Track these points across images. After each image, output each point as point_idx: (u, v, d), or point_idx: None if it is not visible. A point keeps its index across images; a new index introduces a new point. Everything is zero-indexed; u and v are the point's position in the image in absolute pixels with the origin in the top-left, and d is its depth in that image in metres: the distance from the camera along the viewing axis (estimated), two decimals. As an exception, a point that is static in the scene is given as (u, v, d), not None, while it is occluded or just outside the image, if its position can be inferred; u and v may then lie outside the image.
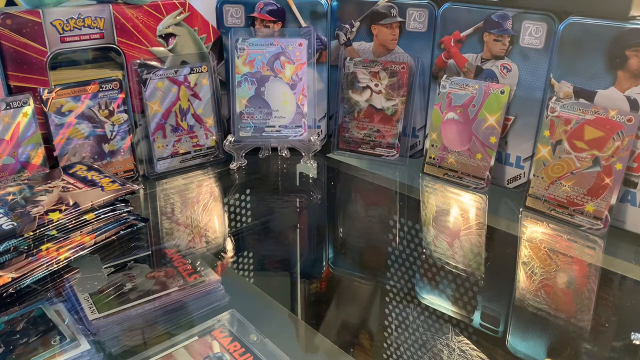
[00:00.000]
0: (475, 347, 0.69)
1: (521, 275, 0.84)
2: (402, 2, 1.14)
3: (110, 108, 1.05)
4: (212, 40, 1.19)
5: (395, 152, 1.19)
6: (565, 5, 0.95)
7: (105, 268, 0.81)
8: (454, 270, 0.85)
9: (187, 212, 1.01)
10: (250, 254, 0.90)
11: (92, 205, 0.84)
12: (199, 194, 1.09)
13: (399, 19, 1.15)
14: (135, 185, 0.93)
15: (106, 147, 1.06)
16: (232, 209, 1.04)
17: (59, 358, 0.63)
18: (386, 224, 1.02)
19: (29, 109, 0.96)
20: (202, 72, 1.15)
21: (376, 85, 1.18)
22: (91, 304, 0.71)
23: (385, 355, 0.68)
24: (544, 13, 0.97)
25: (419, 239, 0.96)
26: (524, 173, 1.05)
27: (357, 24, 1.19)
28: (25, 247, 0.77)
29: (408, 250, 0.91)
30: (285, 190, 1.15)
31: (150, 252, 0.88)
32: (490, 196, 1.05)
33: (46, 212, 0.80)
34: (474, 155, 1.06)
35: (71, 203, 0.84)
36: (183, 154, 1.15)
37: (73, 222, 0.82)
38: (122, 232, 0.88)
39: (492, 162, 1.05)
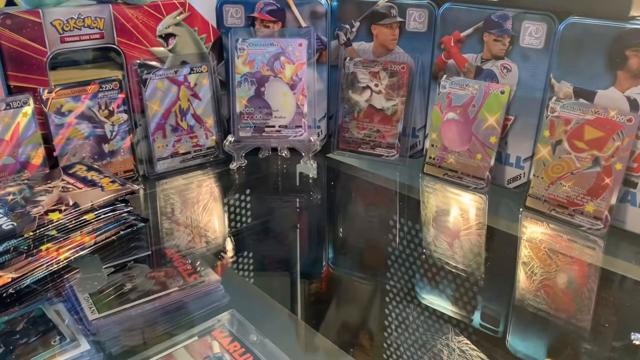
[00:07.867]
0: (475, 347, 0.68)
1: (521, 276, 0.84)
2: (402, 2, 1.14)
3: (110, 108, 1.05)
4: (212, 41, 1.19)
5: (395, 152, 1.19)
6: (565, 5, 0.95)
7: (105, 268, 0.81)
8: (454, 270, 0.85)
9: (187, 212, 1.01)
10: (250, 254, 0.90)
11: (92, 205, 0.84)
12: (199, 194, 1.09)
13: (399, 19, 1.15)
14: (135, 186, 0.93)
15: (106, 147, 1.06)
16: (232, 209, 1.04)
17: (59, 358, 0.63)
18: (386, 224, 1.02)
19: (28, 109, 0.96)
20: (202, 72, 1.15)
21: (376, 85, 1.18)
22: (91, 304, 0.71)
23: (385, 356, 0.68)
24: (544, 13, 0.97)
25: (419, 239, 0.95)
26: (524, 173, 1.05)
27: (357, 24, 1.18)
28: (25, 248, 0.77)
29: (408, 251, 0.90)
30: (285, 191, 1.15)
31: (150, 252, 0.88)
32: (490, 196, 1.05)
33: (46, 212, 0.80)
34: (474, 155, 1.06)
35: (71, 203, 0.84)
36: (183, 154, 1.15)
37: (73, 222, 0.82)
38: (122, 232, 0.88)
39: (492, 162, 1.05)
